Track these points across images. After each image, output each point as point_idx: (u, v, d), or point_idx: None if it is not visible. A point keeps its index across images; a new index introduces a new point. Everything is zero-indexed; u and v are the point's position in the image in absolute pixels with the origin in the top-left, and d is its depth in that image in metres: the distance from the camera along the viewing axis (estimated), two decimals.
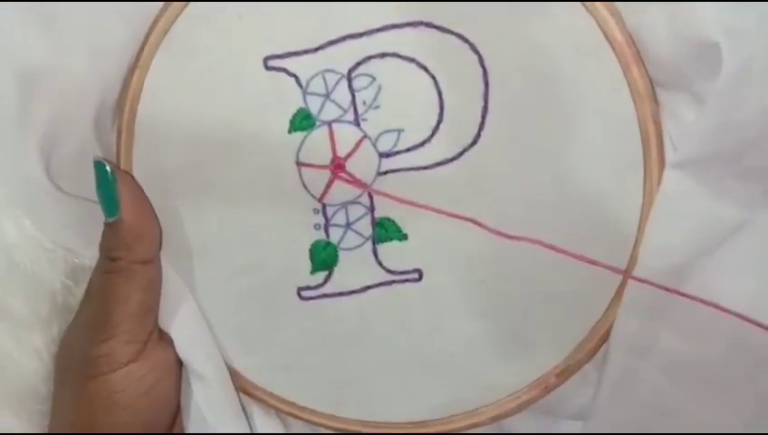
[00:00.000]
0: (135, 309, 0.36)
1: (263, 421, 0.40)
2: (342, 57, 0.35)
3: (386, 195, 0.36)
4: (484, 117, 0.35)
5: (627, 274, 0.35)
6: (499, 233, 0.35)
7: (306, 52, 0.35)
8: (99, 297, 0.36)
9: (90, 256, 0.38)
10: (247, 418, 0.40)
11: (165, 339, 0.38)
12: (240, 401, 0.39)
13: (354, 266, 0.37)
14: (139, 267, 0.36)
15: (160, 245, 0.37)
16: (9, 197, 0.38)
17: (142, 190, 0.36)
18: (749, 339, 0.34)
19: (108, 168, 0.35)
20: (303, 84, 0.36)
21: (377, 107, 0.36)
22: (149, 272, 0.36)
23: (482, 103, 0.35)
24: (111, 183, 0.35)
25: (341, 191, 0.37)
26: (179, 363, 0.38)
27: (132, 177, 0.36)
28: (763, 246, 0.34)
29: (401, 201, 0.36)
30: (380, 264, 0.37)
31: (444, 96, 0.35)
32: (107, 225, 0.36)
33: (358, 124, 0.36)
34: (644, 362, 0.36)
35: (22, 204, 0.37)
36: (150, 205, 0.37)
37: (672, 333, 0.35)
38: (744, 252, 0.34)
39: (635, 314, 0.35)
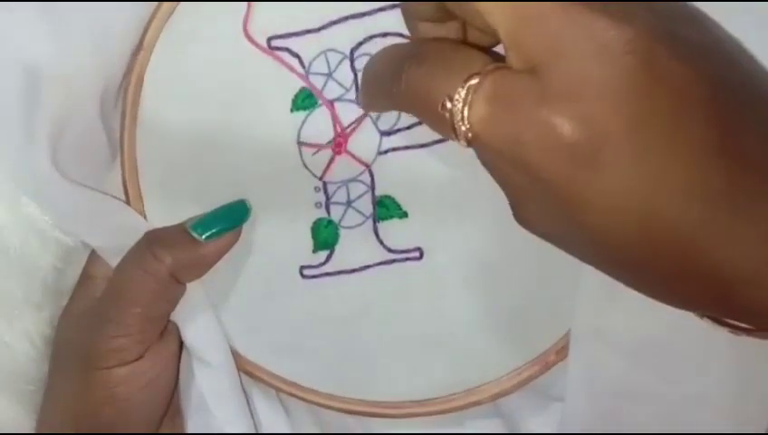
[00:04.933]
0: (155, 315, 0.36)
1: (263, 404, 0.40)
2: (345, 37, 0.36)
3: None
4: None
5: None
6: None
7: (308, 32, 0.36)
8: (121, 295, 0.36)
9: (95, 243, 0.38)
10: (249, 404, 0.40)
11: (167, 331, 0.38)
12: (242, 387, 0.39)
13: (355, 245, 0.38)
14: (173, 283, 0.36)
15: None
16: (11, 182, 0.37)
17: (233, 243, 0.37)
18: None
19: (246, 217, 0.36)
20: (306, 64, 0.36)
21: None
22: (180, 290, 0.37)
23: None
24: (230, 224, 0.36)
25: (342, 169, 0.37)
26: (179, 353, 0.38)
27: (240, 233, 0.37)
28: None
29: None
30: (381, 242, 0.38)
31: None
32: (183, 231, 0.36)
33: (359, 103, 0.36)
34: (605, 345, 0.36)
35: (30, 192, 0.37)
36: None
37: (626, 313, 0.35)
38: None
39: (590, 295, 0.35)
